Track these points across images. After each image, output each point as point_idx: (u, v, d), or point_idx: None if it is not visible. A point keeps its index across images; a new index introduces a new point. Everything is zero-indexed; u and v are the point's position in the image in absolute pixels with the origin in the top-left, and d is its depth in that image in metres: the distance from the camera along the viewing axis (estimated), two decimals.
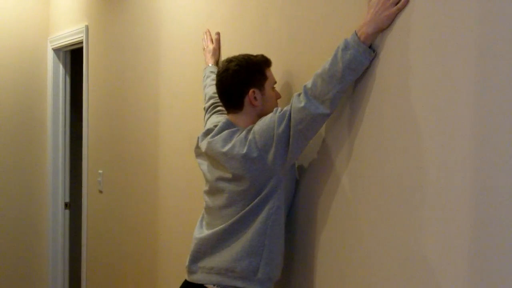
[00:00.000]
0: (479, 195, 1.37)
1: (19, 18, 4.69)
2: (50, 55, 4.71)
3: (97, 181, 4.01)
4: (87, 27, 4.09)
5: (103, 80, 3.93)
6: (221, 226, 2.00)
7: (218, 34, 2.53)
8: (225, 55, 2.34)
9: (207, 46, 2.56)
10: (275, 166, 1.89)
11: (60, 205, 4.75)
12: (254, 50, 2.12)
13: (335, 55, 1.75)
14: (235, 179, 1.96)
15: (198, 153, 2.17)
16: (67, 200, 4.76)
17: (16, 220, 4.69)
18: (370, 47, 1.72)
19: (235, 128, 2.02)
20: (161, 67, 3.10)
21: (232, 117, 2.07)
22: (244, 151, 1.91)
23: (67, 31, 4.40)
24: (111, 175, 3.84)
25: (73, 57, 4.76)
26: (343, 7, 1.86)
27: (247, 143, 1.91)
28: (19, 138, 4.71)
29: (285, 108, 1.88)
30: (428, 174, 1.51)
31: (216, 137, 2.03)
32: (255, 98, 2.01)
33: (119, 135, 3.70)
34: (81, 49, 4.26)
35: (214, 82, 2.19)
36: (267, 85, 2.03)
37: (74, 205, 4.74)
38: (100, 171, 3.97)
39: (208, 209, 2.10)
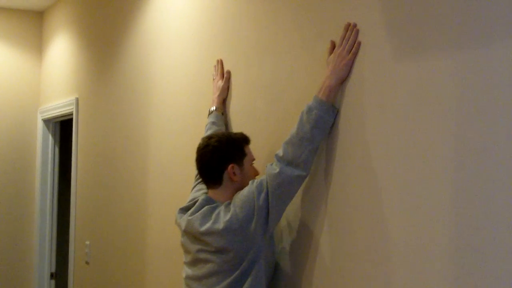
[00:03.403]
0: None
1: (11, 88, 4.78)
2: (40, 126, 4.77)
3: (84, 252, 4.00)
4: (77, 100, 4.17)
5: (92, 151, 3.98)
6: None
7: (228, 73, 2.47)
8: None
9: (217, 81, 2.50)
10: (256, 235, 1.93)
11: (46, 275, 4.70)
12: (240, 127, 2.19)
13: (300, 120, 1.87)
14: (218, 251, 1.98)
15: (178, 227, 2.19)
16: (53, 270, 4.72)
17: None
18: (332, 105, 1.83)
19: (215, 204, 2.05)
20: (150, 139, 3.15)
21: (211, 193, 2.11)
22: (224, 225, 1.94)
23: (58, 103, 4.48)
24: (98, 247, 3.83)
25: (62, 126, 4.82)
26: None
27: (229, 216, 1.95)
28: (6, 207, 4.71)
29: (261, 178, 1.95)
30: (393, 226, 1.58)
31: (195, 215, 2.06)
32: (234, 173, 2.06)
33: (107, 206, 3.71)
34: (70, 119, 4.33)
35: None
36: (246, 161, 2.10)
37: (60, 275, 4.70)
38: (87, 242, 3.97)
39: (188, 279, 2.11)
